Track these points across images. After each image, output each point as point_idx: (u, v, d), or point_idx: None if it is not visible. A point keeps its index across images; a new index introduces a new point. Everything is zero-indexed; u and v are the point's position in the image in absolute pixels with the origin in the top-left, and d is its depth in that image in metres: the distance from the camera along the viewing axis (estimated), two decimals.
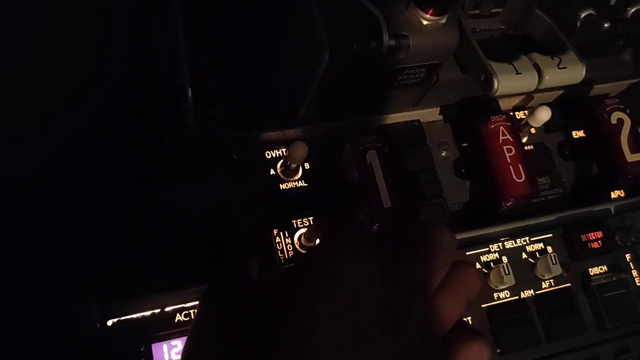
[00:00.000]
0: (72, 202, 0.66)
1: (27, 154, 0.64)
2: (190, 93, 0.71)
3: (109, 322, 0.51)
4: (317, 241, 0.60)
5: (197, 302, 0.54)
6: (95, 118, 0.70)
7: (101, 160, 0.72)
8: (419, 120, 0.69)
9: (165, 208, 0.71)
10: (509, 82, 0.56)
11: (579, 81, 0.59)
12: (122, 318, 0.51)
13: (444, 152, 0.70)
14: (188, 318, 0.53)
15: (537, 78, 0.57)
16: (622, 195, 0.72)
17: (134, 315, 0.52)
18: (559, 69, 0.58)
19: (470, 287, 0.41)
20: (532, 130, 0.72)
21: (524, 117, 0.72)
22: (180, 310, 0.53)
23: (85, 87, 0.69)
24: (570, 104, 0.74)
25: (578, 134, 0.74)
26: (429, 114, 0.69)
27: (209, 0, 0.72)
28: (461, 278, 0.41)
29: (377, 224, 0.57)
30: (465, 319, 0.59)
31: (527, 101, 0.73)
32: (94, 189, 0.70)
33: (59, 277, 0.57)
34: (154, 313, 0.52)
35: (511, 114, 0.72)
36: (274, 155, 0.65)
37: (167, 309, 0.53)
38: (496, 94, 0.56)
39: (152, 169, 0.74)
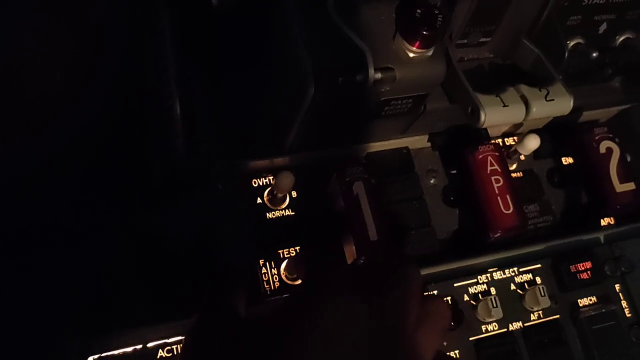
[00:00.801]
0: (51, 227, 0.65)
1: (4, 173, 0.63)
2: (179, 114, 0.70)
3: (89, 359, 0.50)
4: (299, 277, 0.60)
5: (181, 337, 0.53)
6: (80, 138, 0.70)
7: (84, 182, 0.71)
8: (407, 147, 0.69)
9: (149, 233, 0.70)
10: (496, 115, 0.56)
11: (566, 113, 0.59)
12: (103, 355, 0.50)
13: (433, 179, 0.69)
14: (171, 354, 0.52)
15: (524, 110, 0.57)
16: (612, 222, 0.72)
17: (115, 352, 0.51)
18: (547, 101, 0.57)
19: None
20: (522, 157, 0.71)
21: (514, 143, 0.71)
22: (162, 346, 0.52)
23: (70, 105, 0.68)
24: (561, 130, 0.73)
25: (568, 160, 0.74)
26: (418, 142, 0.69)
27: (200, 22, 0.72)
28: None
29: (363, 257, 0.57)
30: (451, 353, 0.59)
31: (517, 127, 0.72)
32: (76, 212, 0.69)
33: (37, 309, 0.56)
34: (135, 349, 0.51)
35: (500, 141, 0.71)
36: (260, 184, 0.64)
37: (149, 344, 0.52)
38: (483, 126, 0.56)
39: (137, 193, 0.73)
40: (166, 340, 0.52)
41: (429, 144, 0.70)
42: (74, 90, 0.67)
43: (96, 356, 0.50)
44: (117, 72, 0.72)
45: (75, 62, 0.67)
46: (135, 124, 0.74)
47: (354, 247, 0.58)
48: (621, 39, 0.68)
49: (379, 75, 0.52)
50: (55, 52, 0.65)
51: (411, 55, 0.54)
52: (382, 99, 0.56)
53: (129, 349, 0.51)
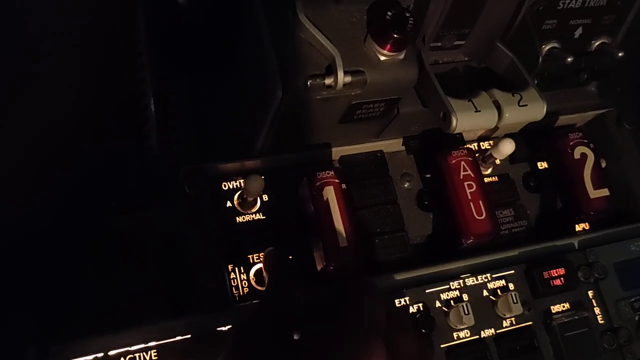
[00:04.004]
0: (12, 229, 0.63)
1: None
2: (153, 113, 0.69)
3: None
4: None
5: (143, 345, 0.52)
6: (51, 139, 0.68)
7: (56, 182, 0.70)
8: (381, 151, 0.68)
9: (115, 237, 0.69)
10: (468, 120, 0.55)
11: (539, 119, 0.58)
12: None
13: (407, 183, 0.68)
14: None
15: (496, 116, 0.56)
16: (587, 228, 0.72)
17: None
18: (520, 106, 0.57)
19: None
20: (497, 162, 0.71)
21: (489, 147, 0.71)
22: (124, 354, 0.51)
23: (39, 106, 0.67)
24: (537, 135, 0.73)
25: (543, 165, 0.73)
26: (392, 145, 0.68)
27: (175, 27, 0.70)
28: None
29: (332, 265, 0.56)
30: None
31: (492, 131, 0.71)
32: (46, 214, 0.67)
33: None
34: (96, 357, 0.50)
35: (475, 145, 0.71)
36: (230, 187, 0.63)
37: (111, 352, 0.51)
38: (455, 132, 0.55)
39: (110, 194, 0.72)
40: (129, 349, 0.51)
41: (403, 148, 0.69)
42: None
43: None
44: (91, 71, 0.71)
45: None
46: (110, 124, 0.72)
47: (323, 254, 0.57)
48: (597, 43, 0.67)
49: (348, 79, 0.51)
50: None
51: (382, 58, 0.53)
52: (353, 102, 0.55)
53: (90, 357, 0.50)
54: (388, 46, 0.52)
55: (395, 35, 0.51)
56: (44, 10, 0.63)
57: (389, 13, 0.51)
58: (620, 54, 0.66)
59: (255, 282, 0.60)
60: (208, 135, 0.70)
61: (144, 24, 0.69)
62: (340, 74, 0.50)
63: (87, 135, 0.71)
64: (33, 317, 0.56)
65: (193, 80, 0.72)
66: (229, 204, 0.62)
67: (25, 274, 0.59)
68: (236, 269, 0.60)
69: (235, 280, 0.60)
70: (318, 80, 0.51)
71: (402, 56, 0.53)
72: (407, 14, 0.51)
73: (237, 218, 0.62)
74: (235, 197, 0.62)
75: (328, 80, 0.51)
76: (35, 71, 0.63)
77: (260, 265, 0.60)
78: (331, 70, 0.51)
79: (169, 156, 0.69)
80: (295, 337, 0.48)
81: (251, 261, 0.61)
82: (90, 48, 0.69)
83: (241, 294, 0.59)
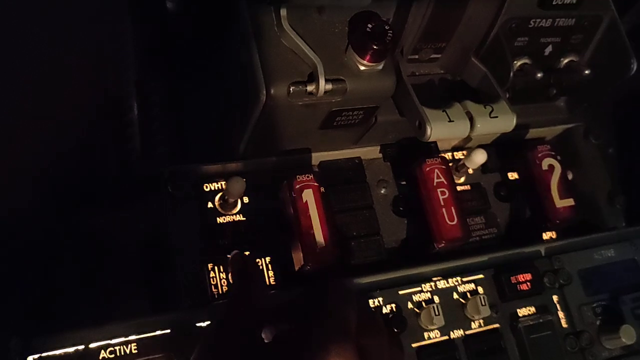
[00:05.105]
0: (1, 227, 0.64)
1: None
2: (136, 115, 0.70)
3: (29, 359, 0.50)
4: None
5: (123, 339, 0.53)
6: (34, 140, 0.69)
7: (39, 182, 0.71)
8: (359, 157, 0.70)
9: (102, 234, 0.70)
10: (442, 129, 0.58)
11: (509, 130, 0.61)
12: (43, 354, 0.50)
13: (383, 189, 0.71)
14: (113, 355, 0.52)
15: (469, 126, 0.59)
16: (554, 237, 0.75)
17: (56, 352, 0.50)
18: (491, 117, 0.60)
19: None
20: (470, 171, 0.74)
21: (463, 157, 0.74)
22: (105, 347, 0.52)
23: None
24: (508, 146, 0.76)
25: (513, 175, 0.76)
26: (370, 152, 0.71)
27: (161, 32, 0.72)
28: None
29: (310, 265, 0.58)
30: None
31: (466, 142, 0.75)
32: (29, 212, 0.68)
33: None
34: (77, 350, 0.51)
35: (449, 154, 0.74)
36: (212, 188, 0.65)
37: (92, 345, 0.52)
38: (429, 140, 0.58)
39: (92, 194, 0.73)
40: (109, 342, 0.52)
41: (380, 155, 0.72)
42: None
43: (36, 356, 0.50)
44: (76, 74, 0.72)
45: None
46: (92, 125, 0.73)
47: (301, 254, 0.59)
48: (565, 61, 0.71)
49: (329, 87, 0.54)
50: None
51: (362, 68, 0.55)
52: (334, 109, 0.57)
53: (71, 349, 0.51)
54: (368, 57, 0.55)
55: (374, 47, 0.54)
56: (28, 13, 0.64)
57: (369, 25, 0.54)
58: (587, 72, 0.70)
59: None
60: (189, 138, 0.72)
61: (130, 28, 0.71)
62: (322, 82, 0.53)
63: (70, 137, 0.72)
64: (16, 311, 0.57)
65: (176, 84, 0.74)
66: (210, 204, 0.64)
67: (8, 270, 0.60)
68: (215, 267, 0.62)
69: (214, 278, 0.61)
70: (300, 86, 0.53)
71: (381, 67, 0.56)
72: (387, 27, 0.54)
73: (218, 218, 0.64)
74: (217, 198, 0.64)
75: (310, 87, 0.53)
76: (16, 73, 0.64)
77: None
78: (313, 78, 0.54)
79: (151, 158, 0.70)
80: (266, 340, 0.50)
81: None
82: (75, 52, 0.70)
83: (220, 292, 0.61)
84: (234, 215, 0.65)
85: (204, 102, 0.73)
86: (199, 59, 0.72)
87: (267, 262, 0.63)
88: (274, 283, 0.63)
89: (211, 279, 0.61)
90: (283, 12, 0.53)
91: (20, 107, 0.65)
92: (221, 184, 0.65)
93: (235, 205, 0.64)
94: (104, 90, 0.71)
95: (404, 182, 0.71)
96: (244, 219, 0.65)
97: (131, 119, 0.71)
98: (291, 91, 0.53)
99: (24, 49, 0.64)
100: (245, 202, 0.65)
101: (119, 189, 0.71)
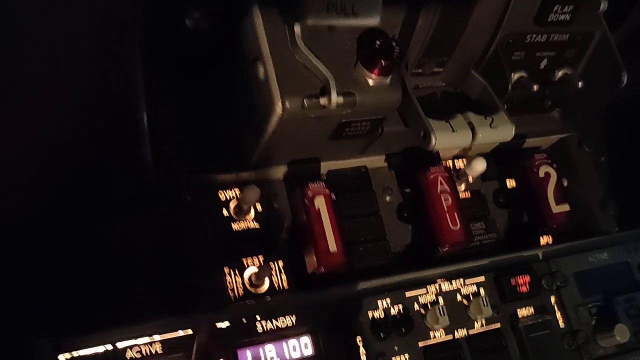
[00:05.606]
0: (20, 236, 0.66)
1: None
2: (146, 126, 0.73)
3: (61, 357, 0.53)
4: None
5: (148, 339, 0.56)
6: (48, 148, 0.71)
7: (56, 190, 0.73)
8: (365, 166, 0.74)
9: (116, 242, 0.72)
10: (446, 139, 0.61)
11: (508, 139, 0.65)
12: (74, 354, 0.53)
13: (388, 197, 0.74)
14: (139, 355, 0.55)
15: (471, 136, 0.63)
16: (550, 242, 0.78)
17: (86, 351, 0.53)
18: (491, 127, 0.63)
19: None
20: (470, 179, 0.77)
21: (463, 166, 0.77)
22: (131, 347, 0.55)
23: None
24: (506, 155, 0.80)
25: (512, 183, 0.80)
26: (375, 161, 0.74)
27: (171, 38, 0.75)
28: None
29: (323, 267, 0.61)
30: (401, 357, 0.63)
31: (467, 151, 0.78)
32: (46, 221, 0.70)
33: (8, 312, 0.58)
34: (106, 349, 0.54)
35: (451, 163, 0.77)
36: (227, 196, 0.67)
37: (119, 344, 0.55)
38: (434, 149, 0.61)
39: (104, 202, 0.75)
40: (135, 342, 0.55)
41: (385, 164, 0.75)
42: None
43: (68, 355, 0.53)
44: (87, 85, 0.74)
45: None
46: (102, 136, 0.76)
47: (314, 258, 0.62)
48: (560, 74, 0.75)
49: (341, 100, 0.57)
50: None
51: (371, 82, 0.59)
52: (343, 120, 0.61)
53: (100, 349, 0.54)
54: (376, 71, 0.58)
55: (383, 62, 0.57)
56: (41, 22, 0.66)
57: (378, 42, 0.58)
58: (580, 84, 0.73)
59: (249, 285, 0.65)
60: (199, 148, 0.75)
61: (140, 39, 0.73)
62: (334, 95, 0.56)
63: (82, 146, 0.74)
64: (39, 313, 0.59)
65: (188, 95, 0.77)
66: (225, 211, 0.67)
67: (33, 275, 0.62)
68: (231, 271, 0.65)
69: (230, 282, 0.64)
70: (313, 99, 0.57)
71: (388, 80, 0.59)
72: (394, 43, 0.58)
73: (233, 225, 0.67)
74: (232, 205, 0.67)
75: (322, 100, 0.57)
76: (28, 83, 0.66)
77: (255, 268, 0.65)
78: (325, 92, 0.57)
79: (162, 167, 0.73)
80: None
81: (245, 265, 0.65)
82: (86, 63, 0.73)
83: (236, 295, 0.64)
84: (249, 222, 0.67)
85: (213, 112, 0.75)
86: (211, 71, 0.75)
87: (280, 267, 0.66)
88: (287, 287, 0.66)
89: (228, 283, 0.64)
90: (297, 30, 0.57)
91: (32, 119, 0.67)
92: (235, 192, 0.68)
93: (250, 212, 0.67)
94: (113, 101, 0.74)
95: (408, 190, 0.75)
96: (258, 225, 0.68)
97: (141, 129, 0.73)
98: (305, 104, 0.57)
99: (36, 59, 0.67)
100: (258, 209, 0.68)
101: (133, 197, 0.73)
